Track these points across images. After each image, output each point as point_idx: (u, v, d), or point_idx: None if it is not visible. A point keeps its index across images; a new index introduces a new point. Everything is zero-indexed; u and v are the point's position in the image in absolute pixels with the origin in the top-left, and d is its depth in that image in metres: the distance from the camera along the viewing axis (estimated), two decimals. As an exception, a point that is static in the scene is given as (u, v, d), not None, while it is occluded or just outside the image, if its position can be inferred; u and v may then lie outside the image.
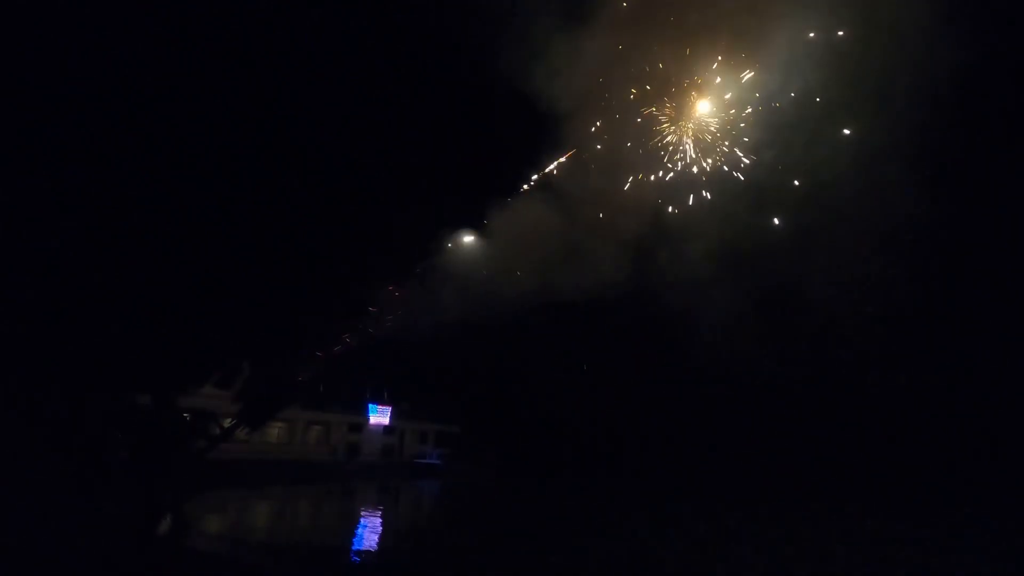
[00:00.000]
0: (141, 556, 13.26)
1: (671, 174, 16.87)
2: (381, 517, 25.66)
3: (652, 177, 16.92)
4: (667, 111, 16.40)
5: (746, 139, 16.59)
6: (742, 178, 16.81)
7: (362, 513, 27.21)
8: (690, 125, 16.48)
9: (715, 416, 50.10)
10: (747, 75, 16.00)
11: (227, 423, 17.47)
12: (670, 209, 17.24)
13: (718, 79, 16.22)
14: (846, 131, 16.57)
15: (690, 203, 17.08)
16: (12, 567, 10.83)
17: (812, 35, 15.37)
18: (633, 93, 16.38)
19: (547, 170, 17.02)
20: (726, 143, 16.66)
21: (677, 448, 49.54)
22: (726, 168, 16.81)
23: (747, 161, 16.75)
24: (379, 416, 47.31)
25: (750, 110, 16.31)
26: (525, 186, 17.03)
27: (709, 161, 16.75)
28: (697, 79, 16.12)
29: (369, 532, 21.39)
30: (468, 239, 16.98)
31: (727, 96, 16.33)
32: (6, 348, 12.88)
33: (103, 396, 14.40)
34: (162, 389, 15.06)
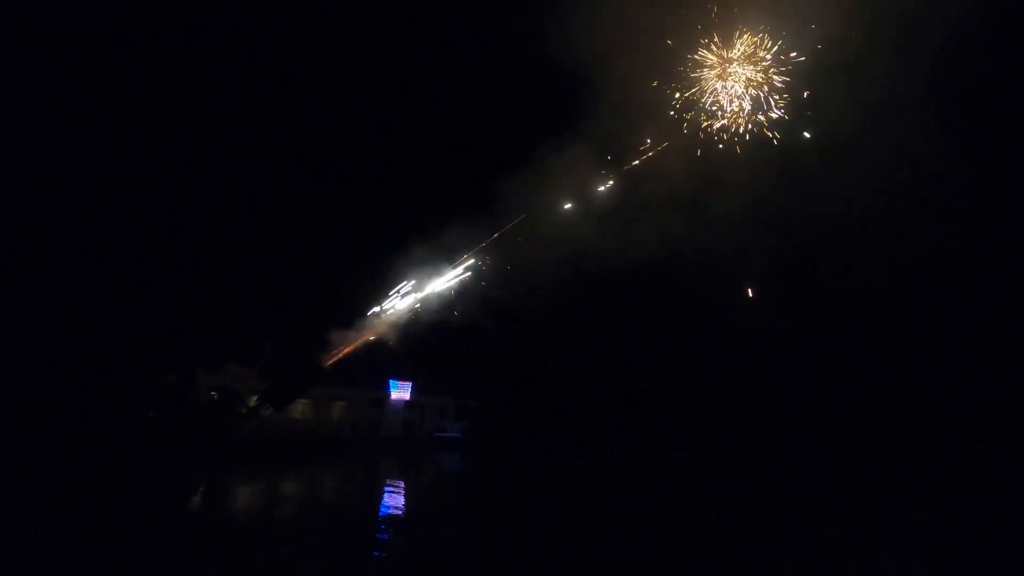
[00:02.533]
0: (173, 528, 13.37)
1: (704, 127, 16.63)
2: (404, 492, 25.82)
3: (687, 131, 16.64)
4: (706, 67, 16.12)
5: (774, 93, 16.24)
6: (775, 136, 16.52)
7: (386, 488, 27.42)
8: (730, 79, 16.20)
9: (740, 393, 49.72)
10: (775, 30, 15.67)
11: (252, 401, 17.49)
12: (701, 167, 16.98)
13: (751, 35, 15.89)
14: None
15: (727, 154, 16.90)
16: (49, 537, 10.93)
17: None
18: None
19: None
20: (759, 95, 16.31)
21: (701, 425, 49.23)
22: (759, 121, 16.51)
23: (778, 115, 16.46)
24: (400, 391, 47.62)
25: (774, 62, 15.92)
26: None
27: (745, 113, 16.50)
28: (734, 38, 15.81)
29: (394, 507, 21.50)
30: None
31: (760, 52, 15.97)
32: (36, 337, 12.92)
33: (132, 376, 14.46)
34: (186, 368, 15.07)
